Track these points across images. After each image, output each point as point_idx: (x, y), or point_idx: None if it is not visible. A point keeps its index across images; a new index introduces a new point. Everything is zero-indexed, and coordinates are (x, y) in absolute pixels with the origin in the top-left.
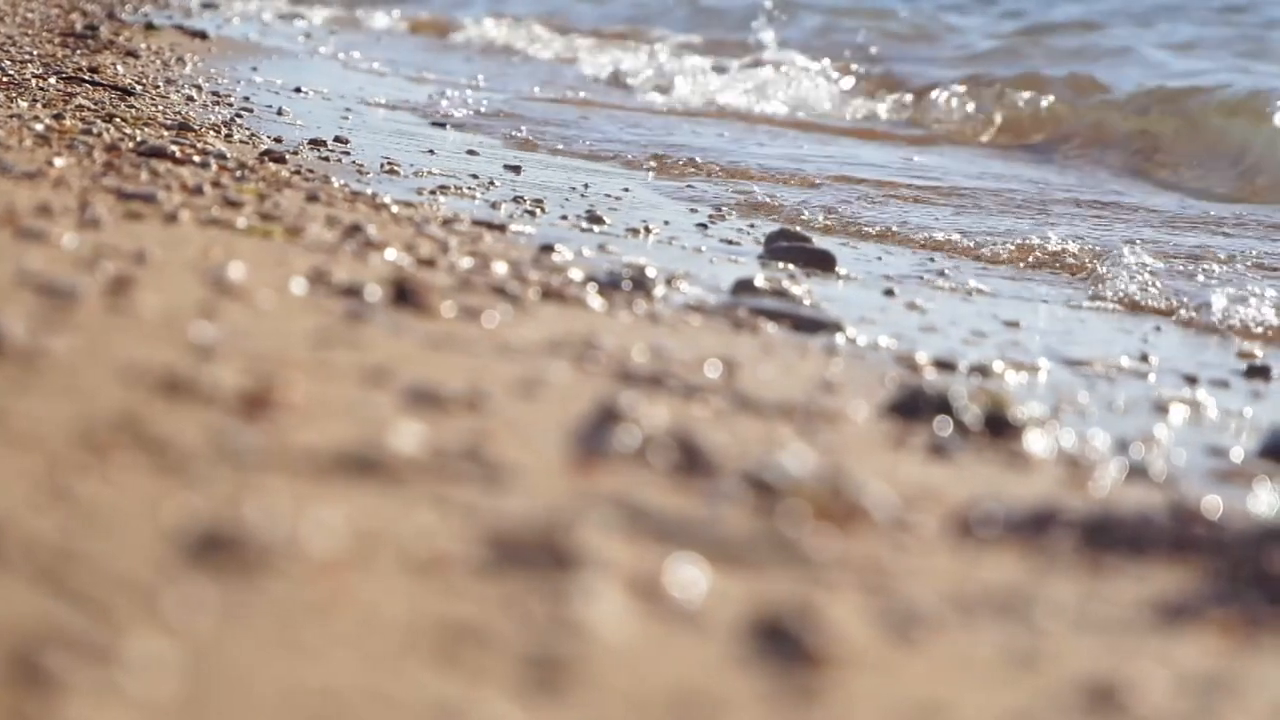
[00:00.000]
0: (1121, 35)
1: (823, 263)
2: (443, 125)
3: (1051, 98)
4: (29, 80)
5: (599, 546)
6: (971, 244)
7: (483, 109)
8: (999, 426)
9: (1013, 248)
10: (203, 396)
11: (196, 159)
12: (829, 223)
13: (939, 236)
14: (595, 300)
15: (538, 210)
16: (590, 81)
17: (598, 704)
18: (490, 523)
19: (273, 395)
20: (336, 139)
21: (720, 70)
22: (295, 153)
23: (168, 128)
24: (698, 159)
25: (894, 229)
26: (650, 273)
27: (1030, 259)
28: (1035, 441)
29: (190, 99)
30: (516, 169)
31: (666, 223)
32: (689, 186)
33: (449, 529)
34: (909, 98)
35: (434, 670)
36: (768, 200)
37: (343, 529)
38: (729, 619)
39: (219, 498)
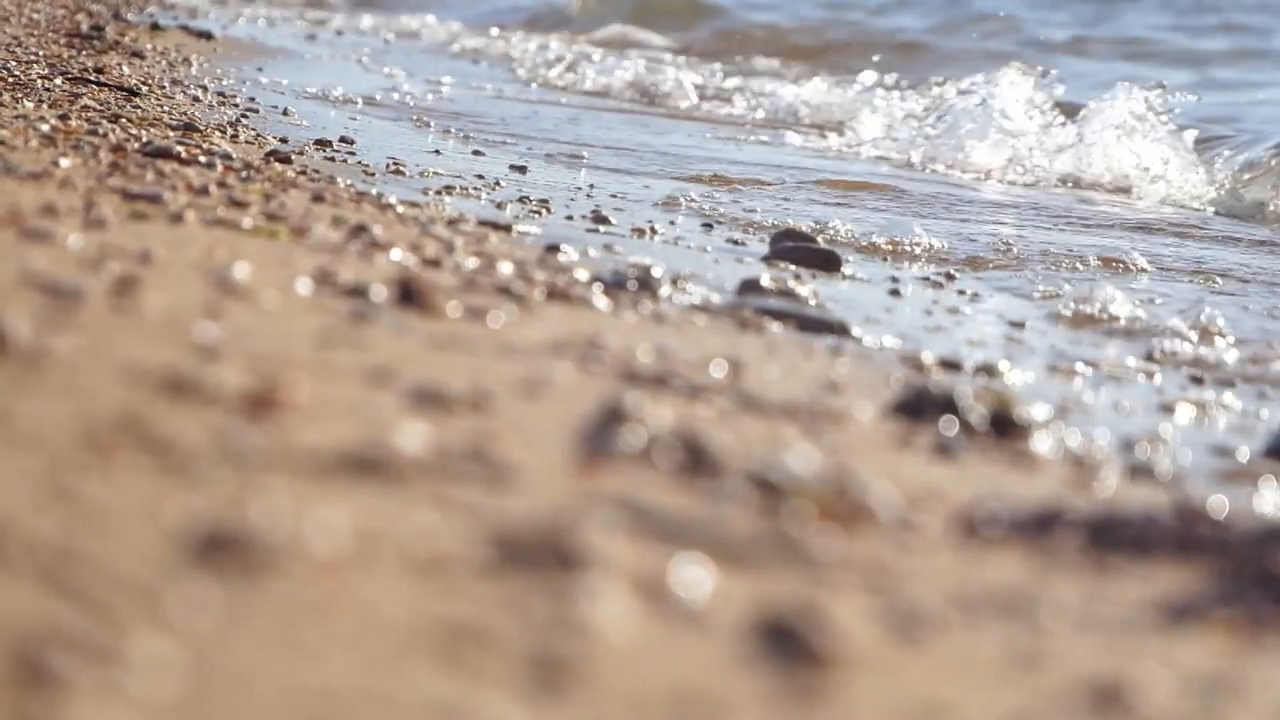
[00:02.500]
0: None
1: (828, 263)
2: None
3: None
4: (34, 81)
5: (603, 547)
6: (975, 248)
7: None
8: (1004, 426)
9: (1008, 248)
10: (206, 396)
11: (202, 159)
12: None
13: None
14: (600, 300)
15: (543, 210)
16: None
17: (600, 704)
18: (493, 523)
19: (276, 395)
20: (342, 139)
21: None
22: (301, 153)
23: (173, 128)
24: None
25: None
26: (656, 273)
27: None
28: (1041, 441)
29: (196, 99)
30: (522, 169)
31: (672, 223)
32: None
33: (452, 529)
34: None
35: (436, 670)
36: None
37: (345, 529)
38: (733, 619)
39: (222, 498)
